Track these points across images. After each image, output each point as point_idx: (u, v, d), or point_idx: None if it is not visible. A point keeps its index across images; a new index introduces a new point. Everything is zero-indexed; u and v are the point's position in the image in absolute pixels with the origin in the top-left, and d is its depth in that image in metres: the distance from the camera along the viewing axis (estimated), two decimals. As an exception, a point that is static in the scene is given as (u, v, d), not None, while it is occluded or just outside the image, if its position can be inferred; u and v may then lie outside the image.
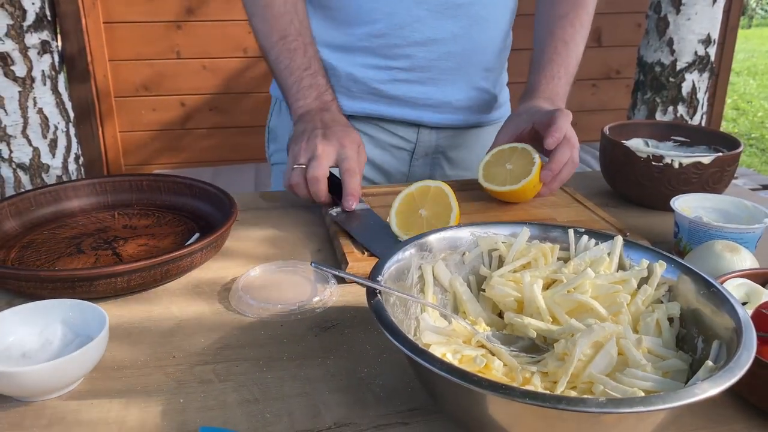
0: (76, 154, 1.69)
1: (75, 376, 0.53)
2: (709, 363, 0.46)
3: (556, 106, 0.98)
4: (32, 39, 1.48)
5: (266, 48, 0.96)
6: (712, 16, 2.10)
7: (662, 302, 0.56)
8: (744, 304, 0.60)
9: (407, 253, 0.57)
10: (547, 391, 0.47)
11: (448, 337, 0.53)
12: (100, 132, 2.87)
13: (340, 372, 0.57)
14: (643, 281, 0.56)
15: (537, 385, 0.48)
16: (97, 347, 0.54)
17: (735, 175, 0.94)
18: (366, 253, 0.75)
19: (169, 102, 2.92)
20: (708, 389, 0.40)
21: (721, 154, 0.89)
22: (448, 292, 0.60)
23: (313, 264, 0.52)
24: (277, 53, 0.94)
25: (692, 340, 0.52)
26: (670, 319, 0.54)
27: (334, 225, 0.81)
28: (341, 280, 0.72)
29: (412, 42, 0.98)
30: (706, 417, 0.52)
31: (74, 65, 2.70)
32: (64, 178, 1.63)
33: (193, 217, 0.85)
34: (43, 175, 1.57)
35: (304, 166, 0.82)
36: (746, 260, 0.67)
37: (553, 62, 1.01)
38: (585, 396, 0.45)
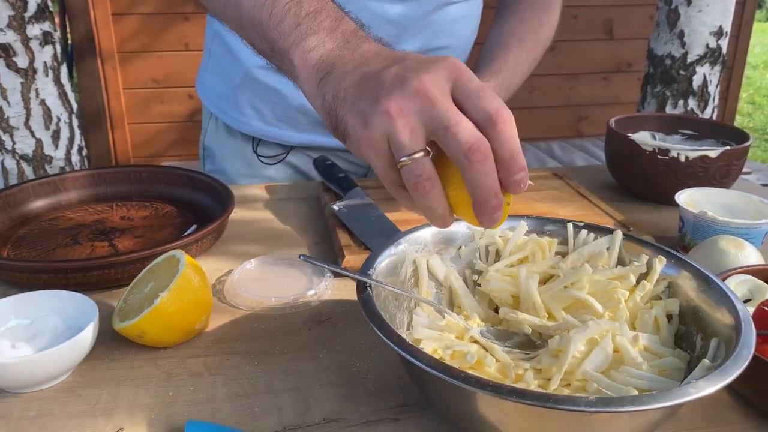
0: (79, 145, 1.69)
1: (64, 367, 0.53)
2: (706, 361, 0.44)
3: None
4: (34, 30, 1.48)
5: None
6: (724, 8, 2.06)
7: (661, 299, 0.54)
8: (747, 301, 0.58)
9: (401, 247, 0.56)
10: (538, 389, 0.46)
11: (441, 332, 0.52)
12: (109, 124, 2.88)
13: (332, 366, 0.56)
14: (643, 277, 0.55)
15: (529, 382, 0.47)
16: (87, 339, 0.54)
17: (748, 170, 0.92)
18: (363, 247, 0.74)
19: (177, 94, 2.92)
20: (702, 388, 0.39)
21: (729, 147, 0.88)
22: (444, 287, 0.59)
23: (301, 257, 0.51)
24: None
25: (691, 338, 0.51)
26: (669, 316, 0.53)
27: (333, 218, 0.80)
28: (338, 274, 0.71)
29: None
30: (704, 416, 0.51)
31: (83, 57, 2.70)
32: (68, 170, 1.63)
33: (192, 209, 0.85)
34: (47, 167, 1.57)
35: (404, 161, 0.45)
36: (751, 256, 0.65)
37: (500, 73, 0.93)
38: (574, 394, 0.44)
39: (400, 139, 0.44)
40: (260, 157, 1.02)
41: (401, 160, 0.44)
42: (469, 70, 0.46)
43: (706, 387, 0.39)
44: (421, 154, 0.44)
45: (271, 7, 0.55)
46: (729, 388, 0.40)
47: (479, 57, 1.00)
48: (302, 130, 0.99)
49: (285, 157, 1.02)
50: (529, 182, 0.46)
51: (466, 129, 0.43)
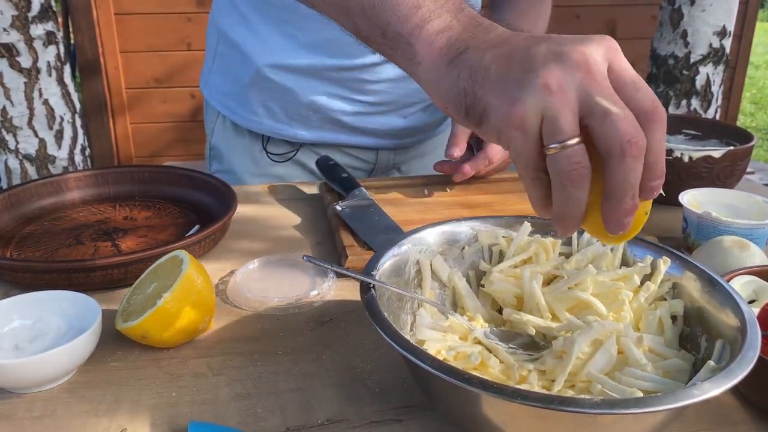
0: (82, 145, 1.69)
1: (67, 368, 0.53)
2: (711, 363, 0.44)
3: None
4: (37, 30, 1.48)
5: None
6: (727, 7, 2.06)
7: (666, 300, 0.54)
8: (751, 302, 0.58)
9: (404, 248, 0.56)
10: (544, 391, 0.46)
11: (445, 333, 0.52)
12: (112, 124, 2.88)
13: (335, 367, 0.56)
14: (647, 278, 0.55)
15: (533, 384, 0.47)
16: (89, 339, 0.54)
17: (751, 169, 0.92)
18: (366, 247, 0.74)
19: (179, 94, 2.92)
20: (708, 390, 0.39)
21: (732, 147, 0.87)
22: (447, 287, 0.59)
23: (305, 257, 0.51)
24: None
25: (696, 339, 0.51)
26: (674, 317, 0.53)
27: (335, 218, 0.80)
28: (341, 274, 0.71)
29: (385, 79, 0.95)
30: (709, 418, 0.51)
31: (86, 57, 2.70)
32: (71, 170, 1.63)
33: (194, 209, 0.85)
34: (50, 167, 1.58)
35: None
36: (755, 257, 0.65)
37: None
38: (579, 396, 0.44)
39: (559, 121, 0.39)
40: (270, 155, 1.03)
41: (553, 145, 0.39)
42: (623, 55, 0.41)
43: (712, 389, 0.39)
44: (576, 140, 0.39)
45: None
46: (734, 389, 0.40)
47: None
48: (312, 127, 0.99)
49: (294, 155, 1.03)
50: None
51: (627, 118, 0.39)
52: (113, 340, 0.58)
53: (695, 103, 2.14)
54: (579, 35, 0.42)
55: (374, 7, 0.50)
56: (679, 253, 0.55)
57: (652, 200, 0.43)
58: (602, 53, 0.40)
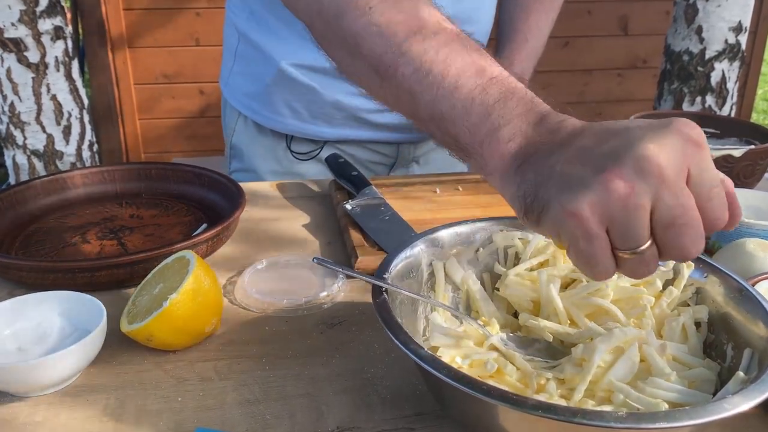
0: (90, 141, 1.68)
1: (71, 371, 0.52)
2: (741, 374, 0.42)
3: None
4: (45, 25, 1.47)
5: (384, 64, 0.51)
6: (743, 2, 2.02)
7: (689, 305, 0.52)
8: (777, 307, 0.56)
9: (417, 249, 0.55)
10: (563, 400, 0.44)
11: (459, 339, 0.50)
12: (120, 120, 2.87)
13: (345, 372, 0.55)
14: (669, 283, 0.53)
15: (552, 393, 0.45)
16: (94, 342, 0.52)
17: (768, 168, 0.89)
18: (377, 247, 0.72)
19: (188, 90, 2.91)
20: (739, 404, 0.37)
21: (753, 146, 0.85)
22: (461, 291, 0.57)
23: (315, 259, 0.49)
24: (410, 66, 0.49)
25: (721, 347, 0.49)
26: (698, 324, 0.51)
27: (345, 217, 0.79)
28: (352, 276, 0.69)
29: None
30: (732, 427, 0.49)
31: (94, 52, 2.70)
32: (78, 166, 1.62)
33: (202, 207, 0.83)
34: (57, 162, 1.57)
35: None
36: (780, 260, 0.63)
37: (527, 42, 0.98)
38: (603, 409, 0.42)
39: (632, 228, 0.37)
40: (294, 154, 1.02)
41: (626, 251, 0.38)
42: (705, 143, 0.39)
43: (743, 402, 0.37)
44: (649, 242, 0.38)
45: (452, 98, 0.47)
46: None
47: (499, 22, 1.00)
48: (336, 125, 0.99)
49: (318, 153, 1.02)
50: None
51: (692, 230, 0.37)
52: (118, 343, 0.57)
53: (710, 100, 2.11)
54: (656, 123, 0.39)
55: (443, 117, 0.48)
56: (702, 257, 0.53)
57: None
58: (681, 149, 0.38)
